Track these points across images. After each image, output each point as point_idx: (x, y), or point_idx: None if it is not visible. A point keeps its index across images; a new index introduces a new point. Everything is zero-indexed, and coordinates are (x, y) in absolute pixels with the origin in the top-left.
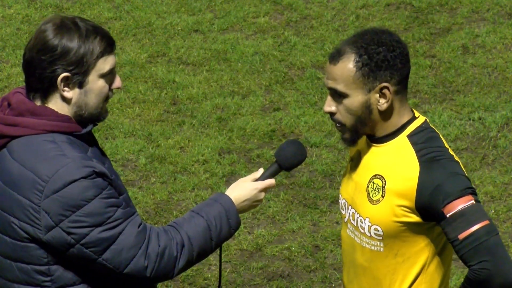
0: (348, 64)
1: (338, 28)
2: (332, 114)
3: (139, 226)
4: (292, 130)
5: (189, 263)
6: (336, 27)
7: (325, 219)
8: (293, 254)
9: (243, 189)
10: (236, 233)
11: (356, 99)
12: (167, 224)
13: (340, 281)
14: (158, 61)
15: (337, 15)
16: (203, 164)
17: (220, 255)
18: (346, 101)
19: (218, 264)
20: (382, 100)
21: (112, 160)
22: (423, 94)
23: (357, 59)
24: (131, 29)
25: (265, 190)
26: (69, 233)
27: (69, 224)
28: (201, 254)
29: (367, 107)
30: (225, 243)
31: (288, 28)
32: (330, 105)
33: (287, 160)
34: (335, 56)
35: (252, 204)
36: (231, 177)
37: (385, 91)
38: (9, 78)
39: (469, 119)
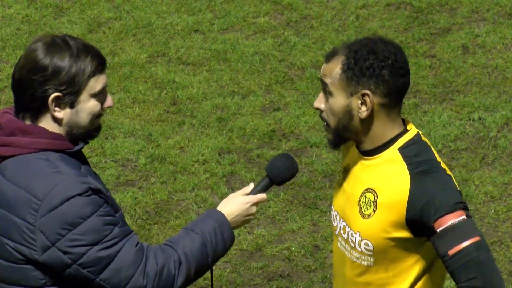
0: (337, 65)
1: (338, 28)
2: (320, 111)
3: (136, 245)
4: (292, 130)
5: (187, 281)
6: (336, 27)
7: (325, 219)
8: (293, 254)
9: (235, 204)
10: (236, 233)
11: (338, 99)
12: (162, 242)
13: None
14: (158, 61)
15: (337, 15)
16: (203, 164)
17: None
18: (330, 100)
19: (218, 264)
20: (363, 108)
21: (112, 160)
22: (423, 94)
23: (344, 62)
24: (131, 29)
25: (256, 204)
26: (65, 253)
27: (66, 243)
28: (199, 271)
29: (349, 111)
30: None
31: (288, 28)
32: (320, 102)
33: (278, 174)
34: (329, 55)
35: (244, 219)
36: (231, 177)
37: (366, 98)
38: (9, 78)
39: (469, 119)
